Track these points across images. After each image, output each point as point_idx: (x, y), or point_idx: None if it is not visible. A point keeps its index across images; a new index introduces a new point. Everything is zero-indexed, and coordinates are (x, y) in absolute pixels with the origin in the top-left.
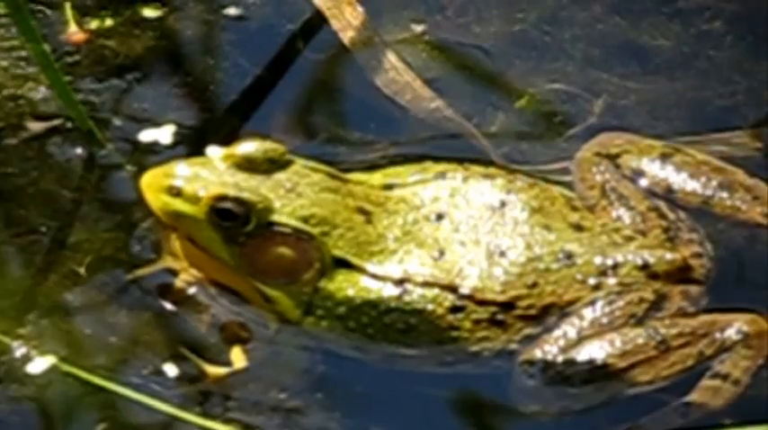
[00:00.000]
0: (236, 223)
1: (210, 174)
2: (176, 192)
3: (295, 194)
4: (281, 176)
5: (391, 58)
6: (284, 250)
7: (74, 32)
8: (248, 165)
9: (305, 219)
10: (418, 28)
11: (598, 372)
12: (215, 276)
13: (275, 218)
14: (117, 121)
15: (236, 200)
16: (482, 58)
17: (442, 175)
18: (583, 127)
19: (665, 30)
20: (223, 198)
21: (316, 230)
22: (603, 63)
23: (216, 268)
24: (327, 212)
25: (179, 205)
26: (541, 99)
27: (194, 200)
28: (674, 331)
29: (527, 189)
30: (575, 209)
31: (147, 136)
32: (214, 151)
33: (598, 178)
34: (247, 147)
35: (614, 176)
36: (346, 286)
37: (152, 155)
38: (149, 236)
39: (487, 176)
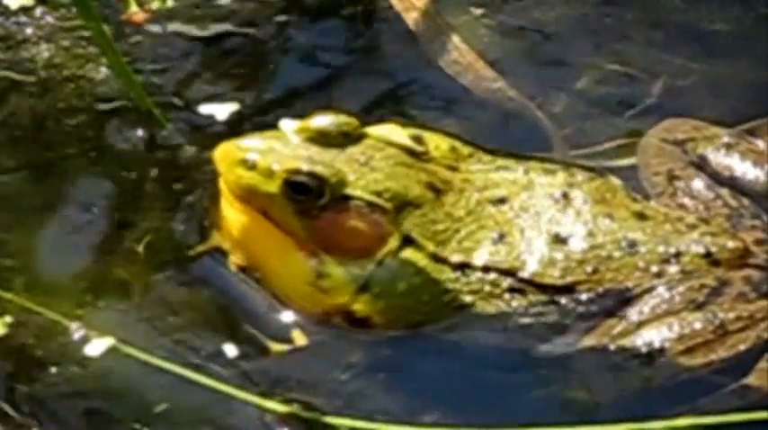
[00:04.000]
0: (309, 197)
1: (284, 148)
2: (251, 166)
3: (369, 168)
4: (354, 150)
5: (454, 38)
6: (357, 223)
7: (135, 13)
8: (322, 138)
9: (378, 193)
10: (478, 11)
11: (656, 356)
12: (260, 257)
13: (349, 191)
14: (177, 102)
15: (310, 174)
16: (543, 40)
17: (504, 168)
18: (642, 108)
19: (725, 13)
20: (297, 172)
21: (389, 205)
22: (664, 45)
23: (263, 248)
24: (401, 187)
25: (253, 178)
26: (602, 80)
27: (268, 173)
28: (731, 315)
29: (588, 181)
30: (636, 200)
31: (207, 117)
32: (288, 125)
33: (663, 165)
34: (321, 121)
35: (678, 164)
36: (408, 263)
37: (213, 136)
38: (208, 216)
39: (548, 171)
